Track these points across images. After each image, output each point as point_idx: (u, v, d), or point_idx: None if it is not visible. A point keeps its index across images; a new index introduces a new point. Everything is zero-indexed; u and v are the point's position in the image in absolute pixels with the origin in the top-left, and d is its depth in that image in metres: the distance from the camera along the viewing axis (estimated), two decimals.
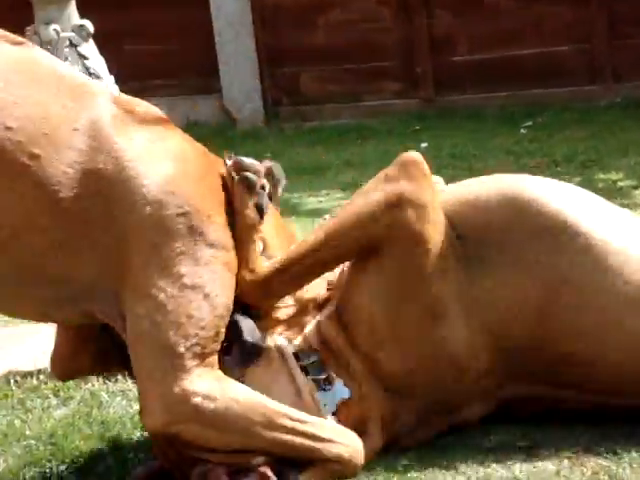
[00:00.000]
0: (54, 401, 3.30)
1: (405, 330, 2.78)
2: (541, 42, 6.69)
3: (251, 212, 2.70)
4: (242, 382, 2.71)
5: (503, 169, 5.58)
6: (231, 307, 2.65)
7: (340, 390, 2.86)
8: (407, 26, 6.84)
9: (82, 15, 4.30)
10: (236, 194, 2.71)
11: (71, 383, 3.36)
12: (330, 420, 2.79)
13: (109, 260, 2.57)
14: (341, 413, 2.83)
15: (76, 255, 2.58)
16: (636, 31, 6.57)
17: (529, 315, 2.80)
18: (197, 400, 2.55)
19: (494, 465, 2.69)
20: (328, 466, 2.69)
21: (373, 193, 2.67)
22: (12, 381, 3.42)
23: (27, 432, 3.07)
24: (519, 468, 2.68)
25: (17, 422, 3.20)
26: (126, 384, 3.35)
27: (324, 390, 2.88)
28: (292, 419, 2.64)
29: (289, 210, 5.13)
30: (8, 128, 2.47)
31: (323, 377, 2.87)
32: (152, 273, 2.57)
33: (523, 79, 6.65)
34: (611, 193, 5.12)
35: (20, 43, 2.61)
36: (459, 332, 2.81)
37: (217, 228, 2.61)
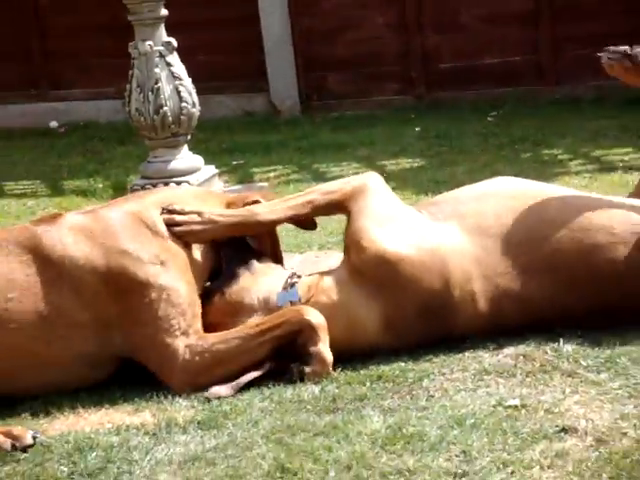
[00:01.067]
0: None
1: None
2: (502, 54, 6.86)
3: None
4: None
5: (474, 147, 5.88)
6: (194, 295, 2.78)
7: (294, 294, 2.88)
8: (405, 41, 7.01)
9: (169, 34, 4.47)
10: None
11: None
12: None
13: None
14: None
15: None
16: (571, 46, 6.68)
17: None
18: (192, 365, 2.65)
19: (469, 360, 2.79)
20: (307, 335, 2.69)
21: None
22: None
23: None
24: (488, 362, 2.79)
25: None
26: None
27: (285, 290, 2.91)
28: (252, 328, 2.74)
29: (319, 176, 5.45)
30: None
31: (290, 282, 2.92)
32: (129, 310, 2.71)
33: (489, 81, 6.83)
34: (554, 165, 5.45)
35: None
36: None
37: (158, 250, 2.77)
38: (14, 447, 2.44)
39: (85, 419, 2.77)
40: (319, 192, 2.93)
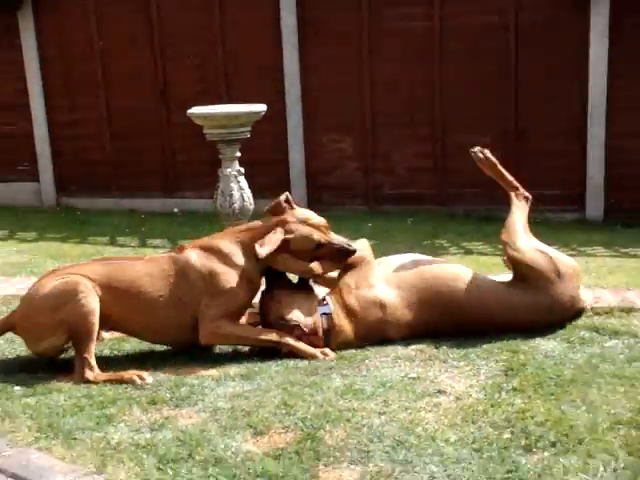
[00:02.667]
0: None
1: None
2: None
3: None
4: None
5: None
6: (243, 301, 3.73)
7: (327, 307, 3.81)
8: None
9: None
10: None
11: None
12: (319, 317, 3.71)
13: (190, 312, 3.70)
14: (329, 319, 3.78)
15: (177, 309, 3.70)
16: None
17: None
18: (219, 331, 3.67)
19: (390, 351, 3.70)
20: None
21: None
22: None
23: None
24: (400, 352, 3.67)
25: None
26: None
27: (321, 305, 3.80)
28: (261, 333, 3.73)
29: None
30: None
31: (322, 299, 3.83)
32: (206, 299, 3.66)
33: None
34: (441, 248, 6.60)
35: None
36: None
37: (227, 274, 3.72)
38: (141, 379, 3.47)
39: (179, 370, 3.66)
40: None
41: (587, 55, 7.38)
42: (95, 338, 3.62)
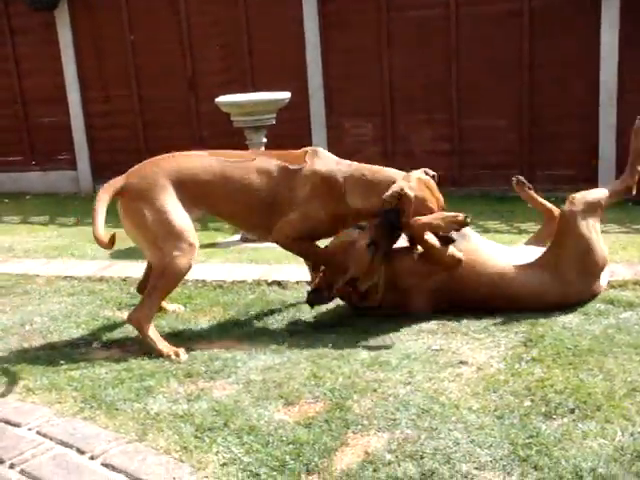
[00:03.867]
0: (249, 293, 4.38)
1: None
2: None
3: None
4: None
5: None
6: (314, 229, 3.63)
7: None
8: None
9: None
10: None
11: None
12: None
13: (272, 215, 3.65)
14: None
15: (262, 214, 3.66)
16: None
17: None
18: (288, 241, 3.66)
19: (414, 325, 3.67)
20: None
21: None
22: (236, 283, 4.43)
23: (239, 302, 4.18)
24: (424, 326, 3.67)
25: (235, 298, 4.28)
26: None
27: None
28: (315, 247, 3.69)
29: None
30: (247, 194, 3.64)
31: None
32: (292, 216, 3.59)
33: None
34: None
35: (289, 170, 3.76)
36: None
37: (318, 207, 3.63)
38: (177, 355, 3.43)
39: (214, 345, 3.67)
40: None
41: (599, 39, 7.28)
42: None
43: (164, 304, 3.92)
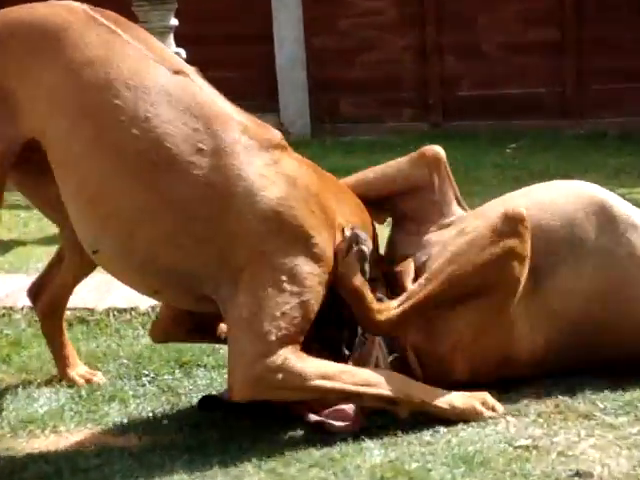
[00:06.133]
0: (142, 331, 3.35)
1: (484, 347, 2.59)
2: (524, 84, 6.71)
3: (359, 278, 2.48)
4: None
5: (491, 178, 5.50)
6: (316, 314, 2.44)
7: None
8: (423, 67, 6.80)
9: (178, 47, 4.29)
10: (347, 261, 2.49)
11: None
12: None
13: (211, 256, 2.37)
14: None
15: (180, 249, 2.37)
16: (597, 79, 6.56)
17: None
18: (276, 376, 2.34)
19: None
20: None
21: (487, 248, 2.50)
22: (111, 315, 3.53)
23: (121, 353, 3.15)
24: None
25: (114, 345, 3.28)
26: None
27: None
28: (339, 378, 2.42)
29: None
30: (135, 136, 2.31)
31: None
32: (257, 274, 2.35)
33: (510, 111, 6.60)
34: None
35: (177, 71, 2.42)
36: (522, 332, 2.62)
37: (319, 242, 2.41)
38: None
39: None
40: None
41: None
42: None
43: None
